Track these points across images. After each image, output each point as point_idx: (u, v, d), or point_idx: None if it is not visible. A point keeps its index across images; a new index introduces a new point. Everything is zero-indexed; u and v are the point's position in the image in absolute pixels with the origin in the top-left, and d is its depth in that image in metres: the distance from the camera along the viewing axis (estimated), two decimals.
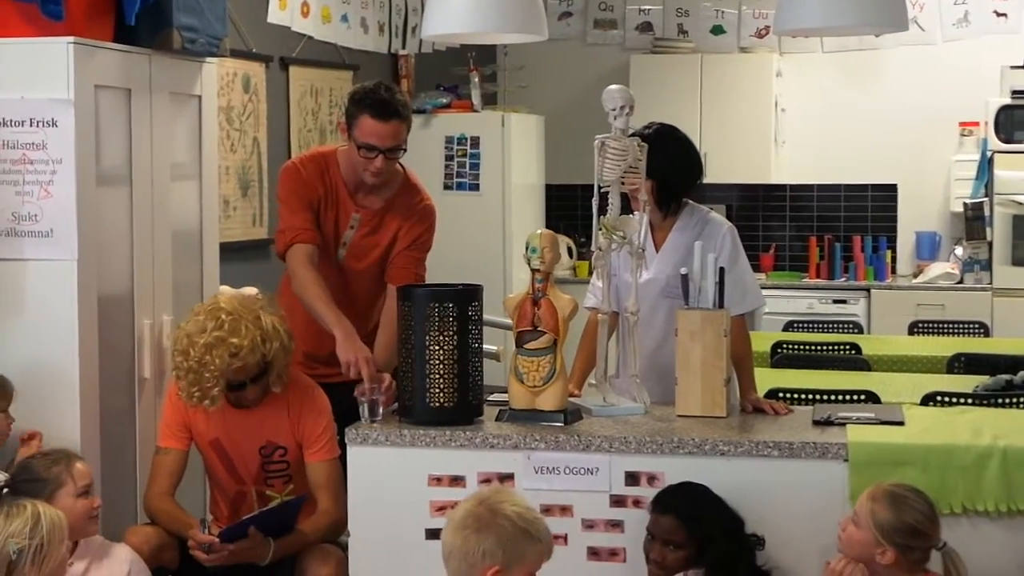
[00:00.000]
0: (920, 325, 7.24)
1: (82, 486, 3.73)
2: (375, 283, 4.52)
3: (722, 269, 4.00)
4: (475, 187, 7.90)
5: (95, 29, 4.37)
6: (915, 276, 8.63)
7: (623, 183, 4.05)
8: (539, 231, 3.91)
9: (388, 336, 4.22)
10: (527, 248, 3.88)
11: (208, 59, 4.91)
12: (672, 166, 4.21)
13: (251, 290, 5.02)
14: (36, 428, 4.16)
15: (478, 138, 7.88)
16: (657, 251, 4.27)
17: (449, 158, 7.91)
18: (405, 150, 4.40)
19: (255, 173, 6.44)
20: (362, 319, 4.45)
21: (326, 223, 4.45)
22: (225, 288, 5.06)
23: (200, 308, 4.04)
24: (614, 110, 3.99)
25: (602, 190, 4.01)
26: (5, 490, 3.70)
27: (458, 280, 4.22)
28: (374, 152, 4.30)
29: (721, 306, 3.97)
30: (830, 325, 7.38)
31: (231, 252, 5.66)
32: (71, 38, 4.19)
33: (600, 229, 4.01)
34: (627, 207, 4.12)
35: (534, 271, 3.88)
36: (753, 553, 3.59)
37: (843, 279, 8.70)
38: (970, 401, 4.75)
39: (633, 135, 4.08)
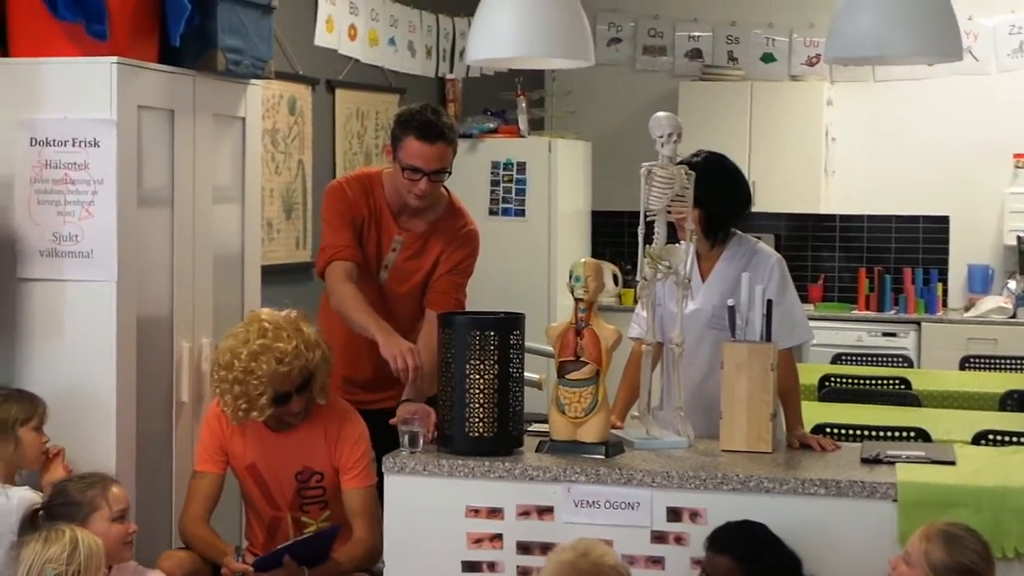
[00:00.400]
0: (972, 360, 7.13)
1: (118, 511, 3.70)
2: (416, 307, 4.47)
3: (770, 301, 3.92)
4: (520, 213, 7.84)
5: (139, 49, 4.35)
6: (967, 310, 8.50)
7: (669, 212, 3.98)
8: (583, 260, 3.85)
9: (426, 362, 4.17)
10: (571, 276, 3.81)
11: (253, 81, 4.89)
12: (720, 195, 4.14)
13: (293, 313, 4.98)
14: (71, 451, 4.12)
15: (524, 163, 7.83)
16: (704, 281, 4.19)
17: (495, 183, 7.85)
18: (450, 173, 4.36)
19: (299, 196, 6.41)
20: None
21: (368, 244, 4.41)
22: (265, 310, 5.03)
23: (238, 326, 4.02)
24: (661, 137, 3.93)
25: (648, 219, 3.94)
26: (40, 513, 3.66)
27: (501, 306, 4.16)
28: (418, 174, 4.26)
29: (768, 339, 3.89)
30: (879, 358, 7.27)
31: (274, 275, 5.64)
32: (115, 58, 4.17)
33: (646, 259, 3.94)
34: (673, 236, 4.05)
35: (577, 300, 3.81)
36: None
37: (893, 311, 8.58)
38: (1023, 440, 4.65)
39: (681, 163, 4.01)
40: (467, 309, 4.45)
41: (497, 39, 4.09)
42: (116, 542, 3.66)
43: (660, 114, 3.99)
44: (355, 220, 4.39)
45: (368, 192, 4.42)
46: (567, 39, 4.08)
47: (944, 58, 3.85)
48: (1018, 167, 8.57)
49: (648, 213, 3.94)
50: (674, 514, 3.65)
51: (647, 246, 3.94)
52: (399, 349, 4.06)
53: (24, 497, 3.84)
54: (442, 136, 4.25)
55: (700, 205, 4.04)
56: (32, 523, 3.68)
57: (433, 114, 4.30)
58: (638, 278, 4.03)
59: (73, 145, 4.18)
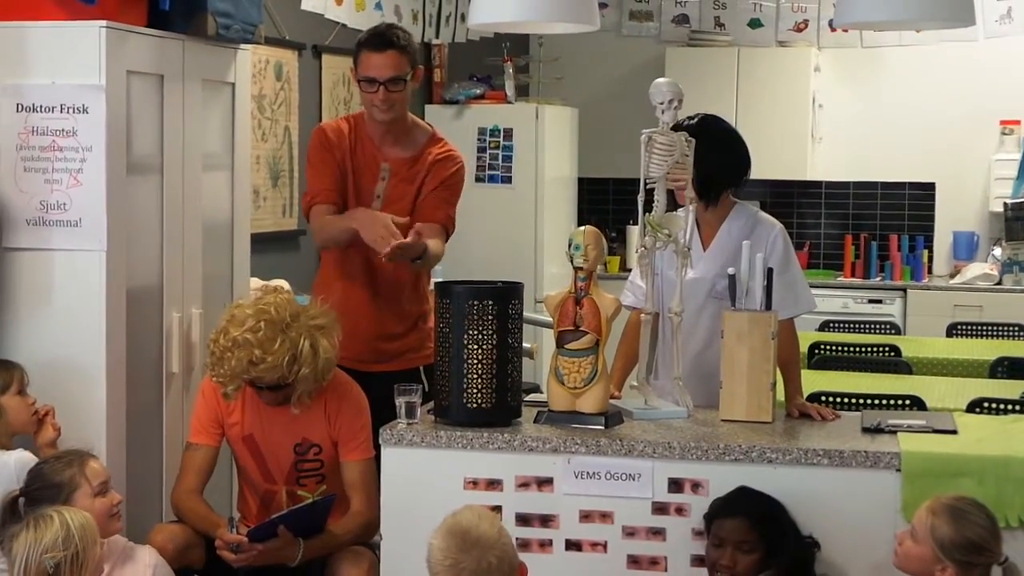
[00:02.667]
0: (959, 327, 7.13)
1: (98, 485, 3.62)
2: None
3: (770, 270, 3.88)
4: (507, 180, 7.79)
5: (128, 14, 4.26)
6: (952, 277, 8.50)
7: (669, 179, 3.93)
8: (583, 228, 3.79)
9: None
10: (570, 245, 3.76)
11: (242, 46, 4.81)
12: (716, 155, 4.07)
13: (281, 283, 4.93)
14: (61, 422, 4.06)
15: (511, 130, 7.77)
16: (704, 250, 4.15)
17: (482, 150, 7.79)
18: (407, 81, 4.38)
19: (286, 163, 6.34)
20: (392, 302, 4.44)
21: (357, 179, 4.46)
22: (255, 281, 4.97)
23: (257, 300, 3.93)
24: (662, 103, 3.86)
25: (648, 186, 3.88)
26: (21, 500, 3.59)
27: (488, 274, 4.12)
28: (375, 85, 4.33)
29: (769, 308, 3.85)
30: (866, 325, 7.25)
31: (261, 243, 5.57)
32: (103, 22, 4.09)
33: (645, 226, 3.89)
34: (672, 204, 4.00)
35: (577, 269, 3.76)
36: (814, 555, 3.48)
37: (879, 278, 8.57)
38: (1018, 408, 4.63)
39: (675, 127, 3.95)
40: (460, 277, 4.39)
41: (501, 3, 4.03)
42: (102, 516, 3.58)
43: (661, 80, 3.92)
44: (337, 160, 4.46)
45: (350, 128, 4.51)
46: (571, 2, 4.01)
47: (955, 23, 3.81)
48: (1004, 134, 8.54)
49: (648, 180, 3.88)
50: (675, 485, 3.61)
51: (647, 214, 3.89)
52: (379, 233, 4.14)
53: (20, 458, 3.78)
54: (392, 44, 4.34)
55: (697, 166, 3.98)
56: (13, 510, 3.61)
57: (385, 27, 4.43)
58: (637, 247, 3.97)
59: (61, 111, 4.10)
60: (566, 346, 3.77)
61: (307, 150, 4.59)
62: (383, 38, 4.35)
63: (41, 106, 4.12)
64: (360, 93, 4.43)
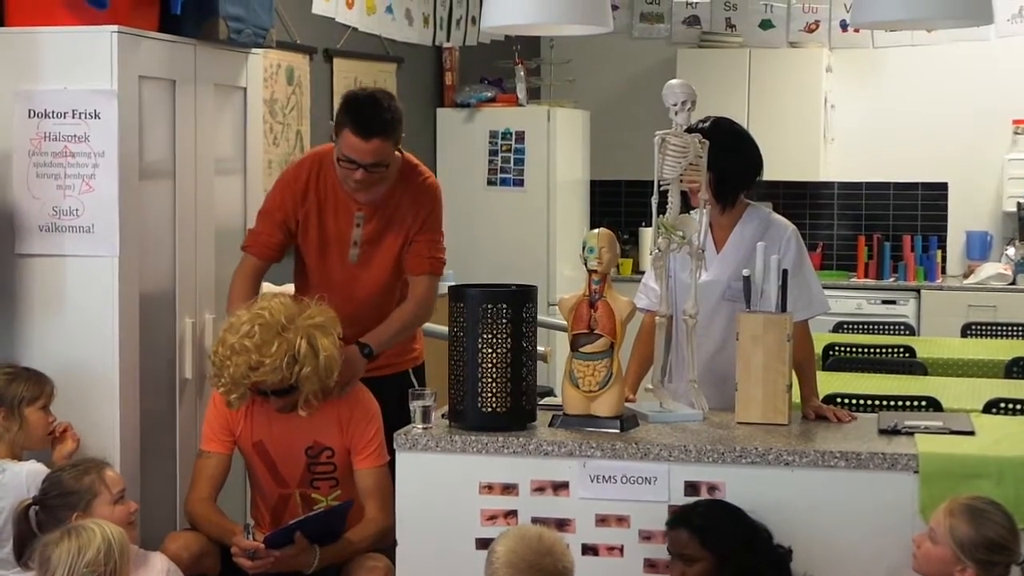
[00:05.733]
0: (973, 327, 7.12)
1: (116, 493, 3.63)
2: (385, 298, 4.38)
3: (785, 271, 3.86)
4: (519, 183, 7.77)
5: (140, 18, 4.26)
6: (965, 277, 8.47)
7: (682, 180, 3.91)
8: (596, 230, 3.77)
9: (396, 321, 4.24)
10: (584, 248, 3.74)
11: (254, 50, 4.80)
12: (730, 157, 4.06)
13: (293, 287, 4.91)
14: (75, 430, 4.05)
15: (523, 133, 7.75)
16: (718, 252, 4.13)
17: (493, 153, 7.78)
18: (388, 166, 4.23)
19: None
20: (371, 308, 4.35)
21: (327, 226, 4.33)
22: (267, 286, 4.95)
23: (252, 306, 3.91)
24: (675, 105, 3.85)
25: (661, 188, 3.87)
26: (34, 508, 3.59)
27: (500, 277, 4.09)
28: (354, 165, 4.16)
29: (783, 309, 3.83)
30: (881, 326, 7.24)
31: None
32: (115, 27, 4.08)
33: (659, 229, 3.87)
34: (686, 206, 3.98)
35: (591, 272, 3.74)
36: (785, 566, 3.44)
37: (892, 279, 8.54)
38: None
39: (688, 130, 3.93)
40: (472, 281, 4.38)
41: (514, 5, 4.00)
42: (121, 524, 3.58)
43: (674, 82, 3.91)
44: (287, 216, 4.32)
45: (318, 175, 4.33)
46: (585, 4, 3.99)
47: (973, 21, 3.78)
48: (1017, 133, 8.51)
49: (662, 182, 3.86)
50: (692, 488, 3.59)
51: (660, 216, 3.88)
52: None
53: (32, 469, 3.79)
54: (379, 132, 4.12)
55: (711, 168, 3.97)
56: (26, 518, 3.60)
57: (373, 107, 4.15)
58: (651, 249, 3.96)
59: (73, 117, 4.10)
60: (581, 349, 3.75)
61: (277, 181, 4.47)
62: (370, 126, 4.10)
63: (53, 112, 4.11)
64: (336, 162, 4.23)
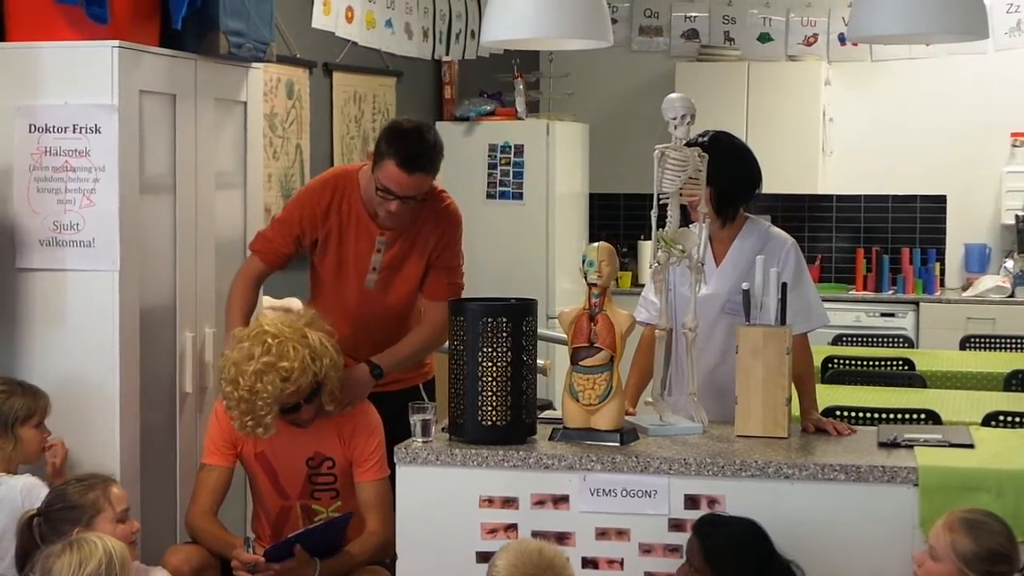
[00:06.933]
0: (972, 340, 7.12)
1: (120, 511, 3.61)
2: (398, 326, 4.36)
3: (784, 284, 3.87)
4: (518, 196, 7.78)
5: (140, 33, 4.27)
6: (964, 289, 8.48)
7: (682, 194, 3.92)
8: (596, 244, 3.78)
9: (409, 345, 4.23)
10: (584, 261, 3.75)
11: (254, 64, 4.81)
12: (731, 171, 4.08)
13: (294, 302, 4.93)
14: (74, 444, 4.06)
15: (522, 146, 7.77)
16: (717, 265, 4.14)
17: (492, 166, 7.79)
18: (423, 200, 4.23)
19: (297, 181, 6.33)
20: (384, 330, 4.32)
21: (347, 248, 4.31)
22: (267, 299, 4.96)
23: (244, 334, 3.90)
24: (675, 119, 3.86)
25: (661, 201, 3.88)
26: (38, 519, 3.58)
27: (499, 291, 4.09)
28: (391, 195, 4.15)
29: (783, 322, 3.84)
30: (879, 339, 7.25)
31: None
32: (116, 42, 4.09)
33: (659, 242, 3.88)
34: (685, 219, 3.99)
35: (591, 285, 3.75)
36: None
37: (891, 292, 8.55)
38: None
39: (688, 144, 3.95)
40: (469, 296, 4.38)
41: (514, 19, 4.01)
42: (123, 543, 3.58)
43: (673, 96, 3.92)
44: (308, 233, 4.30)
45: (342, 197, 4.30)
46: (585, 19, 4.00)
47: (970, 36, 3.79)
48: (1015, 146, 8.53)
49: (661, 196, 3.88)
50: (692, 501, 3.60)
51: (660, 230, 3.89)
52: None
53: (27, 483, 3.79)
54: (423, 168, 4.12)
55: (711, 183, 3.98)
56: (29, 529, 3.60)
57: (420, 141, 4.13)
58: (651, 263, 3.97)
59: (74, 131, 4.11)
60: (581, 363, 3.76)
61: (298, 192, 4.46)
62: (416, 161, 4.08)
63: (54, 126, 4.12)
64: (372, 189, 4.18)
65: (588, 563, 3.64)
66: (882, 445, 3.76)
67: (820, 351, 6.26)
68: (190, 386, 4.50)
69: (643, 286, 4.34)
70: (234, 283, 4.36)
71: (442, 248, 4.34)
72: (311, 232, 4.31)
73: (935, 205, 8.78)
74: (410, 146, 4.11)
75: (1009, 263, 8.35)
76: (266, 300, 4.98)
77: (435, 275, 4.34)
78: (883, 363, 6.13)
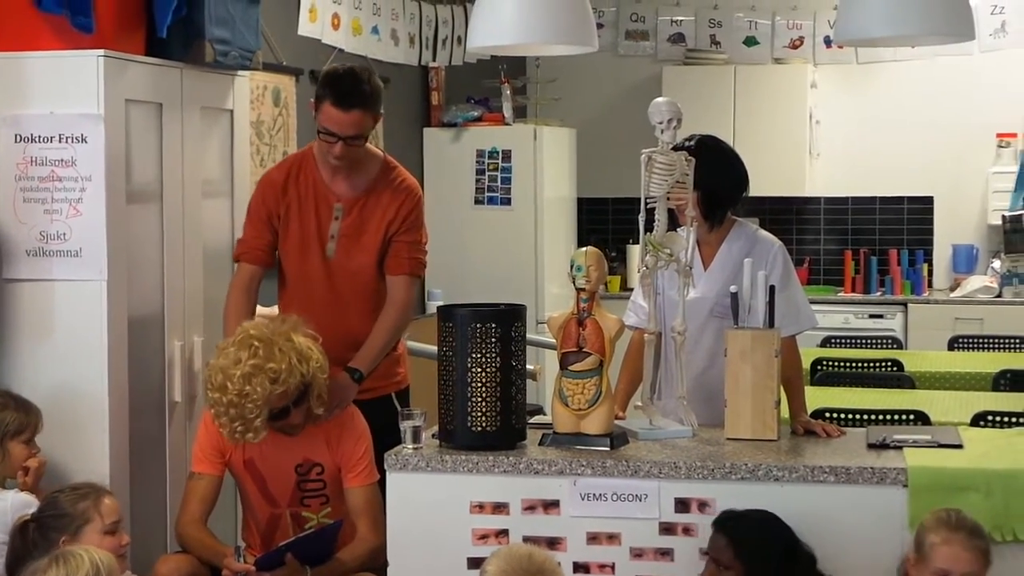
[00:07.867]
0: (960, 340, 7.14)
1: (110, 523, 3.60)
2: (366, 293, 4.36)
3: (772, 287, 3.87)
4: (507, 201, 7.79)
5: (126, 42, 4.28)
6: (952, 290, 8.50)
7: (669, 198, 3.93)
8: (584, 249, 3.78)
9: (379, 333, 4.21)
10: (572, 266, 3.75)
11: (240, 72, 4.81)
12: (717, 175, 4.08)
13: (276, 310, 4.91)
14: (64, 454, 4.05)
15: (510, 151, 7.78)
16: (705, 269, 4.14)
17: (480, 172, 7.80)
18: (366, 138, 4.28)
19: None
20: (353, 333, 4.30)
21: (307, 220, 4.33)
22: (260, 308, 4.95)
23: (228, 341, 3.89)
24: (661, 123, 3.86)
25: (648, 205, 3.88)
26: (32, 524, 3.58)
27: (488, 296, 4.10)
28: (334, 138, 4.19)
29: (771, 325, 3.85)
30: (868, 340, 7.28)
31: None
32: (101, 51, 4.10)
33: (647, 246, 3.88)
34: (673, 223, 4.00)
35: (579, 290, 3.75)
36: None
37: (879, 293, 8.57)
38: (1022, 421, 4.62)
39: (675, 147, 3.95)
40: (462, 301, 4.38)
41: (500, 25, 4.02)
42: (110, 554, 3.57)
43: (660, 100, 3.92)
44: (271, 212, 4.32)
45: (297, 173, 4.35)
46: (570, 24, 4.01)
47: (956, 38, 3.81)
48: (1001, 147, 8.57)
49: (648, 200, 3.88)
50: (682, 505, 3.60)
51: (647, 234, 3.89)
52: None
53: (17, 499, 3.78)
54: (359, 104, 4.17)
55: (698, 187, 3.99)
56: (23, 534, 3.59)
57: (353, 81, 4.21)
58: (639, 266, 3.97)
59: (60, 141, 4.12)
60: (570, 368, 3.76)
61: (257, 182, 4.48)
62: (349, 97, 4.15)
63: (40, 136, 4.13)
64: (316, 136, 4.26)
65: (579, 568, 3.64)
66: (871, 446, 3.76)
67: (809, 353, 6.27)
68: (179, 395, 4.50)
69: (632, 290, 4.34)
70: (227, 295, 4.36)
71: (400, 220, 4.35)
72: (275, 209, 4.33)
73: (922, 206, 8.81)
74: (343, 84, 4.19)
75: (996, 263, 8.38)
76: (257, 309, 4.97)
77: (395, 248, 4.35)
78: (872, 364, 6.14)
